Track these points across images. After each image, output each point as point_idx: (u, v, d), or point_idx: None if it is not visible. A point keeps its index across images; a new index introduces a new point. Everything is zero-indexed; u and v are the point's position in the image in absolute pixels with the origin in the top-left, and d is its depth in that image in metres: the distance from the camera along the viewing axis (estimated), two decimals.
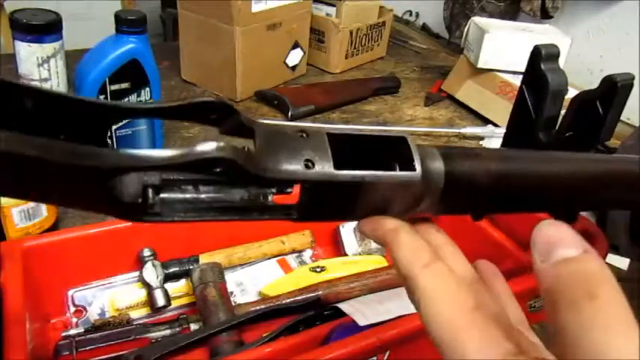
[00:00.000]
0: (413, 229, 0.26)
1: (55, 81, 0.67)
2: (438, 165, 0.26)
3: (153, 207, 0.22)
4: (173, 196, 0.22)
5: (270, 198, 0.24)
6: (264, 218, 0.24)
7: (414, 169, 0.25)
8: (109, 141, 0.76)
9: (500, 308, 0.28)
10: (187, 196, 0.23)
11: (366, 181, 0.24)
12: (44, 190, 0.21)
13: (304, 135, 0.23)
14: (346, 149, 0.24)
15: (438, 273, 0.24)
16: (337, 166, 0.23)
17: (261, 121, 0.23)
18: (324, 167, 0.23)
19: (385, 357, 0.52)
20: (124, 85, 0.74)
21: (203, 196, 0.23)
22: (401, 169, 0.25)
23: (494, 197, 0.28)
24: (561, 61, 0.73)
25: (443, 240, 0.29)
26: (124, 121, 0.77)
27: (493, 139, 1.02)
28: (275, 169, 0.22)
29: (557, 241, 0.20)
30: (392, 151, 0.25)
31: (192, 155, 0.20)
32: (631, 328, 0.19)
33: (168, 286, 0.60)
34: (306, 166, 0.22)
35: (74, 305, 0.58)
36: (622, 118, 0.65)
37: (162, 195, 0.22)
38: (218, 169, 0.20)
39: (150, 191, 0.21)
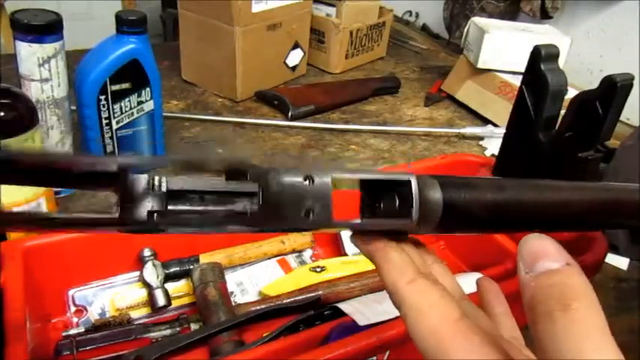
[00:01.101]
0: (400, 248, 0.27)
1: (56, 81, 0.67)
2: (437, 196, 0.27)
3: (160, 227, 0.24)
4: (180, 207, 0.24)
5: None
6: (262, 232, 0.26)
7: (410, 217, 0.26)
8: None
9: (491, 324, 0.28)
10: (194, 207, 0.24)
11: (361, 229, 0.26)
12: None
13: (311, 181, 0.25)
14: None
15: (422, 288, 0.24)
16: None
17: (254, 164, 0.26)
18: (322, 217, 0.25)
19: (385, 357, 0.52)
20: (125, 85, 0.74)
21: (210, 206, 0.25)
22: (399, 204, 0.27)
23: (490, 224, 0.30)
24: (561, 61, 0.73)
25: (432, 259, 0.31)
26: (125, 121, 0.77)
27: (493, 139, 1.02)
28: (280, 219, 0.25)
29: (541, 254, 0.21)
30: (395, 185, 0.27)
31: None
32: (605, 339, 0.19)
33: (169, 286, 0.60)
34: (306, 215, 0.25)
35: (75, 305, 0.58)
36: (622, 118, 0.65)
37: (170, 207, 0.24)
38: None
39: (155, 215, 0.23)
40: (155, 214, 0.23)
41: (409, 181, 0.26)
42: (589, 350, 0.19)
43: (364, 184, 0.27)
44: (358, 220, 0.26)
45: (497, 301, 0.31)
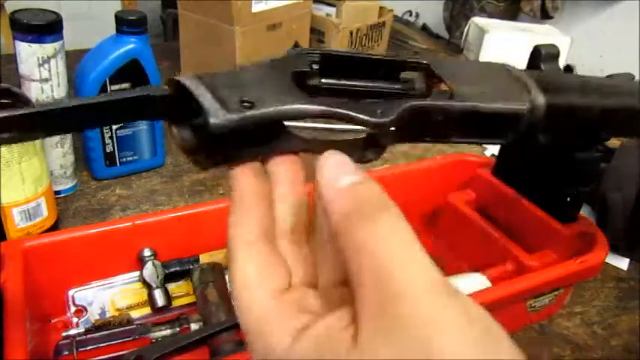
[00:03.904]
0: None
1: (56, 81, 0.67)
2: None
3: None
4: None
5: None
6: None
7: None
8: None
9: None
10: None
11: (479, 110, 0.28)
12: None
13: None
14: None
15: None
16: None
17: None
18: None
19: None
20: (125, 85, 0.74)
21: None
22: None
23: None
24: (561, 61, 0.73)
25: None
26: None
27: None
28: None
29: (343, 169, 0.23)
30: None
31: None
32: (410, 248, 0.21)
33: (169, 286, 0.60)
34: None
35: (74, 305, 0.58)
36: None
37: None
38: None
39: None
40: None
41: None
42: (397, 261, 0.20)
43: None
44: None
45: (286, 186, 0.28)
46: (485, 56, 1.08)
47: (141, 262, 0.59)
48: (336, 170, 0.23)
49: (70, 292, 0.58)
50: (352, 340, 0.20)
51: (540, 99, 0.30)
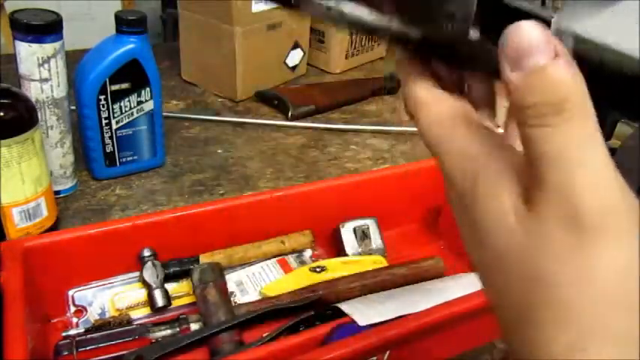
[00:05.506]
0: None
1: (56, 81, 0.67)
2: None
3: None
4: None
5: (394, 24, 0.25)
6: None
7: None
8: None
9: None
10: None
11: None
12: None
13: None
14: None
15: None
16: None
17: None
18: (460, 27, 0.23)
19: (385, 357, 0.52)
20: (124, 86, 0.74)
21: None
22: None
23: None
24: None
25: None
26: (125, 121, 0.77)
27: None
28: (412, 12, 0.23)
29: (527, 48, 0.20)
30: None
31: None
32: (592, 143, 0.20)
33: (169, 286, 0.60)
34: (448, 18, 0.23)
35: (74, 305, 0.58)
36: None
37: None
38: None
39: None
40: None
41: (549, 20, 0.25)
42: (581, 152, 0.19)
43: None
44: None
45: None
46: None
47: (141, 262, 0.59)
48: (517, 54, 0.20)
49: (70, 292, 0.58)
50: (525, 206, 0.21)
51: None
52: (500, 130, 0.29)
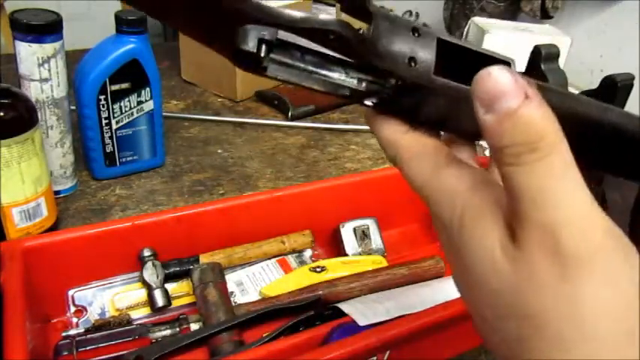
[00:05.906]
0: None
1: (56, 81, 0.67)
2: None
3: (262, 61, 0.23)
4: (281, 58, 0.24)
5: (363, 85, 0.25)
6: (347, 98, 0.26)
7: None
8: None
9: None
10: (293, 62, 0.24)
11: (462, 95, 0.23)
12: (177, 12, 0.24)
13: (417, 34, 0.24)
14: (452, 60, 0.25)
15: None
16: (436, 73, 0.23)
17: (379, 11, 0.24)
18: (425, 68, 0.23)
19: (385, 357, 0.52)
20: (124, 86, 0.74)
21: (308, 66, 0.24)
22: None
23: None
24: (561, 61, 0.73)
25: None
26: (125, 121, 0.77)
27: None
28: (380, 57, 0.23)
29: (499, 92, 0.20)
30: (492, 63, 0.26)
31: (314, 22, 0.21)
32: (569, 175, 0.21)
33: (169, 286, 0.60)
34: (409, 64, 0.23)
35: (74, 305, 0.58)
36: None
37: (272, 55, 0.23)
38: (331, 38, 0.22)
39: (264, 46, 0.22)
40: (264, 44, 0.22)
41: (509, 63, 0.26)
42: (558, 189, 0.20)
43: (466, 59, 0.25)
44: (464, 86, 0.23)
45: None
46: None
47: (141, 262, 0.59)
48: (489, 97, 0.20)
49: (70, 292, 0.58)
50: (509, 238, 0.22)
51: None
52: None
